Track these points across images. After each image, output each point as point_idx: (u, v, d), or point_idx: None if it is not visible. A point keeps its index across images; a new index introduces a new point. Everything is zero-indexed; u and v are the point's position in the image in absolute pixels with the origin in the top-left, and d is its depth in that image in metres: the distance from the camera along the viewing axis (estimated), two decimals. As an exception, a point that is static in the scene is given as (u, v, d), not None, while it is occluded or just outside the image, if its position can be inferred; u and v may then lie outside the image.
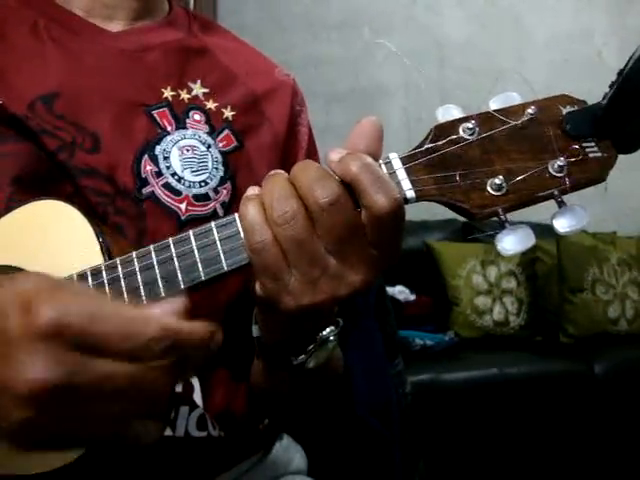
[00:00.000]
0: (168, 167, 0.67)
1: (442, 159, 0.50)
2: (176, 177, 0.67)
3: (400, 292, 2.59)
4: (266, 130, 0.75)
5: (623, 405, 2.31)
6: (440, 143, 0.50)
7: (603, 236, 2.74)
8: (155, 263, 0.52)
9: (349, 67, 3.05)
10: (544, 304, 2.67)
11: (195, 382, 0.68)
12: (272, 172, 0.51)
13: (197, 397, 0.68)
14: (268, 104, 0.76)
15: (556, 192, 0.50)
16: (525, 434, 2.25)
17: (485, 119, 0.51)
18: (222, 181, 0.69)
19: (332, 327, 0.59)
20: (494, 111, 0.51)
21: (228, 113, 0.73)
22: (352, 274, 0.49)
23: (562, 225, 0.50)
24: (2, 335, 0.40)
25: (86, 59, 0.70)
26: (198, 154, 0.69)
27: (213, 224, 0.52)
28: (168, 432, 0.63)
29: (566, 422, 2.28)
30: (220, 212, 0.69)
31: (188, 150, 0.69)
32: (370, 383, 0.98)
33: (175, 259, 0.52)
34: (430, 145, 0.50)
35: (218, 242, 0.52)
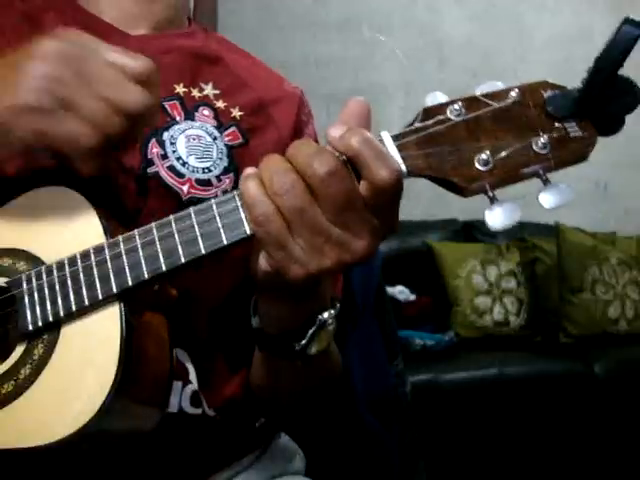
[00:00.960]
0: (174, 151, 0.70)
1: (431, 137, 0.53)
2: (181, 161, 0.69)
3: (400, 292, 2.59)
4: (272, 132, 0.77)
5: (623, 405, 2.31)
6: (429, 123, 0.53)
7: (603, 236, 2.74)
8: (156, 239, 0.54)
9: (349, 67, 3.05)
10: (544, 304, 2.66)
11: (189, 366, 0.69)
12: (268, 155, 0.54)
13: (192, 378, 0.69)
14: (275, 109, 0.79)
15: (540, 170, 0.52)
16: (525, 434, 2.25)
17: (471, 102, 0.54)
18: (225, 171, 0.71)
19: (331, 310, 0.61)
20: (479, 95, 0.54)
21: (236, 113, 0.76)
22: (355, 241, 0.51)
23: (548, 201, 0.52)
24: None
25: None
26: (204, 143, 0.72)
27: (213, 201, 0.54)
28: None
29: (566, 422, 2.28)
30: None
31: (194, 139, 0.71)
32: (370, 383, 0.98)
33: (176, 234, 0.54)
34: (419, 125, 0.53)
35: (217, 217, 0.53)
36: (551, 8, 3.15)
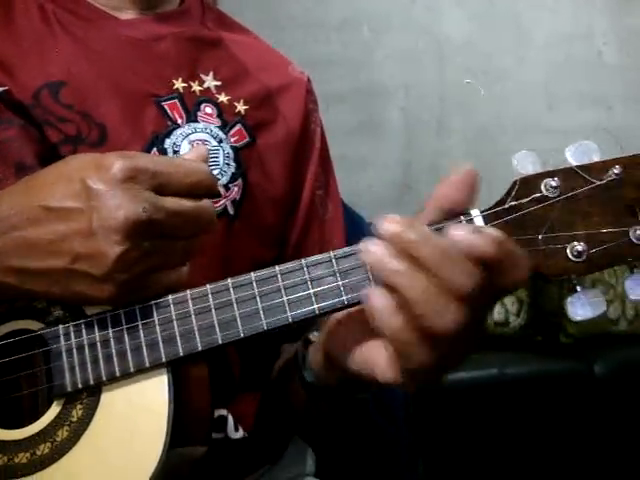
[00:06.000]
0: None
1: (525, 219, 0.49)
2: None
3: (400, 292, 2.58)
4: (279, 126, 0.73)
5: (623, 405, 2.31)
6: (523, 201, 0.50)
7: (603, 236, 2.74)
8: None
9: (349, 67, 3.04)
10: (544, 304, 2.66)
11: None
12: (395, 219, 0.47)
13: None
14: (282, 100, 0.75)
15: (630, 259, 0.49)
16: (525, 434, 2.25)
17: (568, 176, 0.50)
18: (233, 178, 0.68)
19: None
20: (577, 167, 0.50)
21: (241, 107, 0.71)
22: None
23: (636, 293, 0.49)
24: (82, 192, 0.48)
25: (95, 46, 0.68)
26: (209, 149, 0.67)
27: (277, 269, 0.51)
28: None
29: (566, 422, 2.27)
30: (230, 210, 0.68)
31: (199, 144, 0.67)
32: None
33: (235, 304, 0.51)
34: (513, 203, 0.50)
35: (282, 290, 0.51)
36: (551, 8, 3.15)
